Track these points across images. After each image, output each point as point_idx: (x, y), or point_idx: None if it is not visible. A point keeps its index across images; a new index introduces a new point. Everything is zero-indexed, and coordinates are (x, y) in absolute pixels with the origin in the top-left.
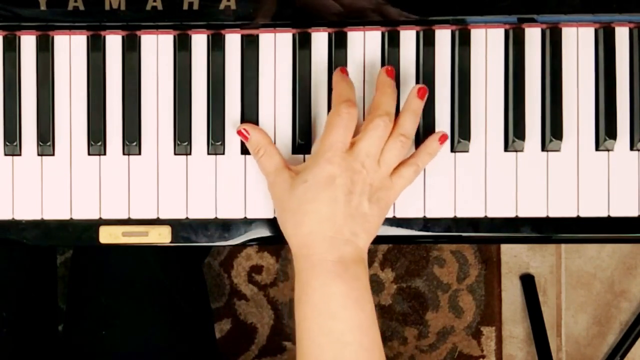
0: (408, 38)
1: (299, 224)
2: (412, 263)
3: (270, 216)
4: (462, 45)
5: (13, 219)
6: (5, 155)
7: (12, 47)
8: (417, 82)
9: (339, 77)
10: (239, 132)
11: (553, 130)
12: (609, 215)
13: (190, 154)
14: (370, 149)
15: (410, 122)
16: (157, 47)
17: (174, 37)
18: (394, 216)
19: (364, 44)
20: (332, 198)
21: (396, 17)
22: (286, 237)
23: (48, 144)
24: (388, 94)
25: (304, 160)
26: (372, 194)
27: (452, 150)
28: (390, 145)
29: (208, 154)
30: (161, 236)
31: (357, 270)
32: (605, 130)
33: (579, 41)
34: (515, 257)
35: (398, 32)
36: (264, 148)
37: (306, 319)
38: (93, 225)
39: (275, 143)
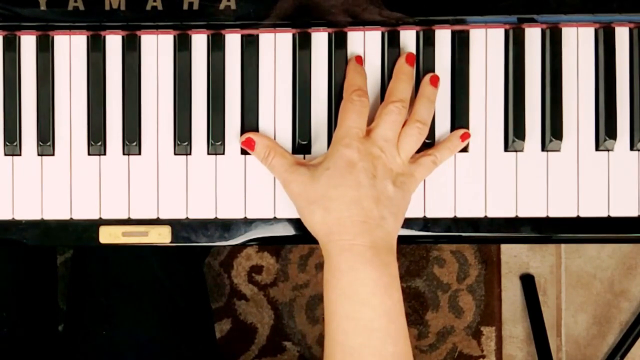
0: (408, 38)
1: (327, 211)
2: (412, 263)
3: (270, 216)
4: (462, 45)
5: (13, 219)
6: (5, 155)
7: (12, 47)
8: (417, 82)
9: (353, 66)
10: (245, 143)
11: (553, 130)
12: (609, 215)
13: (190, 154)
14: (387, 134)
15: (425, 108)
16: (157, 47)
17: (174, 37)
18: None
19: (364, 44)
20: (356, 182)
21: (396, 17)
22: (312, 228)
23: (48, 144)
24: (403, 81)
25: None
26: (395, 178)
27: None
28: (407, 132)
29: (208, 154)
30: (161, 236)
31: (387, 258)
32: (605, 130)
33: (579, 41)
34: (515, 257)
35: (398, 32)
36: (273, 150)
37: (333, 303)
38: (93, 225)
39: None
